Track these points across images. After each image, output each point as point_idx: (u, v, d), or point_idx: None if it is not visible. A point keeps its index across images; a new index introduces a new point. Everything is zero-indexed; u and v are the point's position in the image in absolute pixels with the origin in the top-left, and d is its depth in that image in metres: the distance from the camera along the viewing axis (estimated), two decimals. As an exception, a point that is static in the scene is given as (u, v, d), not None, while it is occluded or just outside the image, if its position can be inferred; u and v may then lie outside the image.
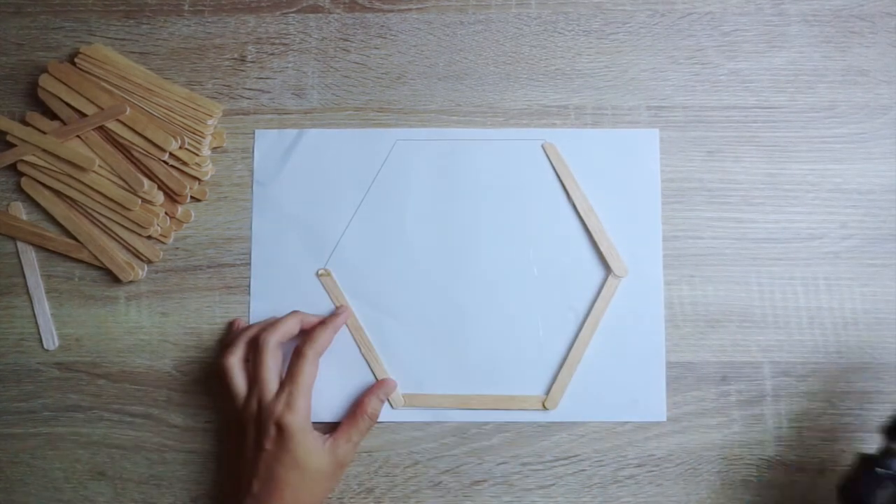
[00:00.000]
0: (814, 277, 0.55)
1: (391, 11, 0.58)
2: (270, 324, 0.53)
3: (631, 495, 0.54)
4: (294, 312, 0.54)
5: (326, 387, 0.54)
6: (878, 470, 0.45)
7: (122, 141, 0.56)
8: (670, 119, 0.57)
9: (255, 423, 0.50)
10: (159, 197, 0.56)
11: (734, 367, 0.55)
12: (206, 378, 0.55)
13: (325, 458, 0.51)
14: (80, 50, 0.57)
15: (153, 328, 0.56)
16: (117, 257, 0.56)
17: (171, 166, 0.56)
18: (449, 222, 0.56)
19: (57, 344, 0.56)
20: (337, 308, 0.55)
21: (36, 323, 0.56)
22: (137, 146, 0.56)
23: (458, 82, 0.57)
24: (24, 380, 0.55)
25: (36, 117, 0.56)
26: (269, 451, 0.49)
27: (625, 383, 0.54)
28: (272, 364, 0.51)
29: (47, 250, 0.56)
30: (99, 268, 0.56)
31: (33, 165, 0.56)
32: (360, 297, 0.56)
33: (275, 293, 0.56)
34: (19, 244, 0.56)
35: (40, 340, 0.56)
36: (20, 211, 0.57)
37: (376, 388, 0.54)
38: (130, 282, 0.56)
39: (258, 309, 0.56)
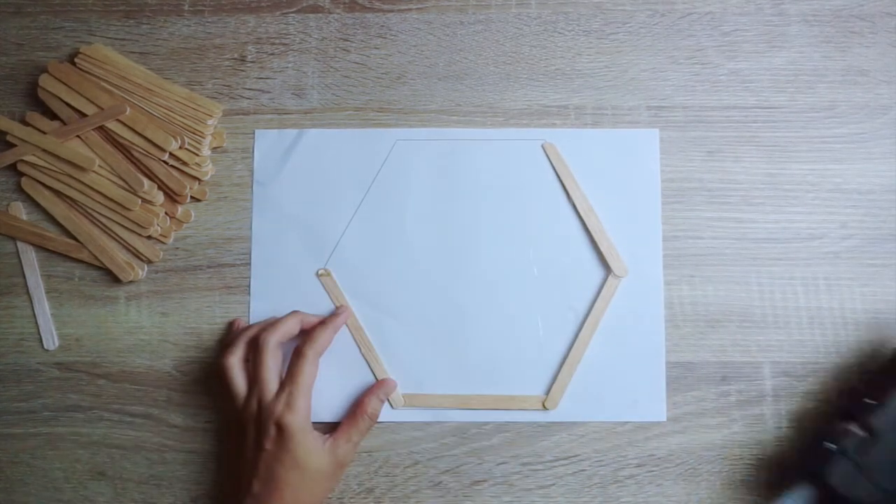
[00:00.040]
0: (814, 277, 0.55)
1: (391, 11, 0.58)
2: (270, 324, 0.53)
3: (631, 495, 0.54)
4: (294, 312, 0.54)
5: (326, 387, 0.54)
6: (828, 444, 0.47)
7: (122, 141, 0.56)
8: (670, 119, 0.57)
9: (255, 423, 0.50)
10: (159, 197, 0.56)
11: (734, 367, 0.55)
12: (206, 378, 0.55)
13: (325, 458, 0.51)
14: (80, 50, 0.57)
15: (153, 328, 0.56)
16: (117, 257, 0.56)
17: (171, 166, 0.56)
18: (449, 222, 0.56)
19: (57, 344, 0.56)
20: (337, 308, 0.55)
21: (36, 323, 0.56)
22: (137, 146, 0.56)
23: (458, 82, 0.57)
24: (24, 380, 0.55)
25: (36, 117, 0.56)
26: (270, 451, 0.49)
27: (625, 383, 0.54)
28: (272, 364, 0.51)
29: (47, 250, 0.56)
30: (99, 268, 0.56)
31: (33, 165, 0.56)
32: (360, 297, 0.56)
33: (275, 293, 0.56)
34: (19, 244, 0.56)
35: (40, 340, 0.56)
36: (20, 211, 0.57)
37: (376, 388, 0.54)
38: (130, 282, 0.56)
39: (258, 309, 0.56)
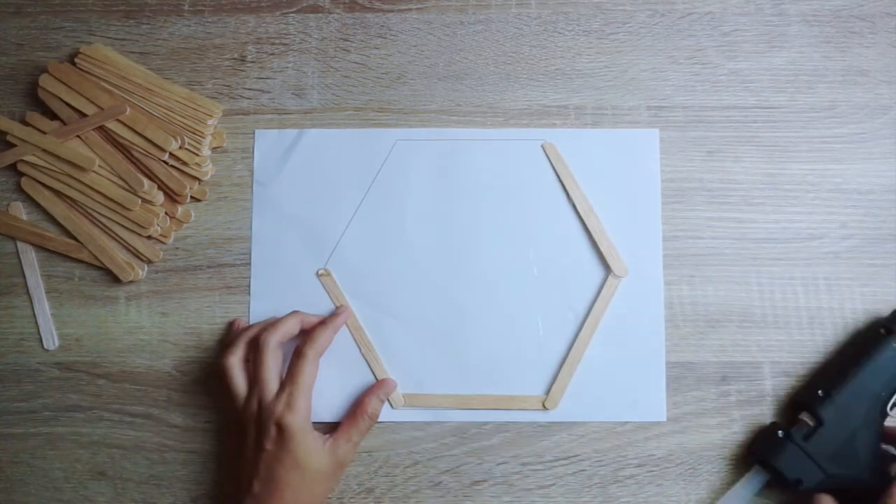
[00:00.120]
0: (814, 277, 0.55)
1: (391, 11, 0.58)
2: (270, 324, 0.53)
3: (631, 495, 0.54)
4: (294, 312, 0.54)
5: (326, 387, 0.54)
6: (779, 432, 0.51)
7: (122, 141, 0.56)
8: (670, 119, 0.57)
9: (255, 423, 0.50)
10: (159, 197, 0.56)
11: (734, 367, 0.55)
12: (206, 378, 0.55)
13: (326, 458, 0.51)
14: (80, 50, 0.57)
15: (153, 328, 0.56)
16: (117, 257, 0.56)
17: (171, 166, 0.56)
18: (449, 222, 0.56)
19: (57, 344, 0.56)
20: (337, 308, 0.55)
21: (36, 323, 0.56)
22: (137, 146, 0.56)
23: (458, 82, 0.57)
24: (24, 380, 0.55)
25: (36, 117, 0.56)
26: (270, 452, 0.49)
27: (625, 383, 0.54)
28: (272, 364, 0.51)
29: (47, 250, 0.56)
30: (99, 268, 0.56)
31: (33, 165, 0.56)
32: (360, 297, 0.56)
33: (275, 293, 0.56)
34: (19, 244, 0.56)
35: (40, 340, 0.56)
36: (20, 211, 0.57)
37: (376, 388, 0.54)
38: (130, 282, 0.56)
39: (258, 309, 0.56)
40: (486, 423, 0.55)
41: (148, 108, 0.56)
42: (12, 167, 0.57)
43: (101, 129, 0.56)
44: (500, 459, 0.54)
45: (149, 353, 0.56)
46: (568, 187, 0.56)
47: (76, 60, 0.57)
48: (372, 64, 0.58)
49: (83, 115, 0.56)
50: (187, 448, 0.55)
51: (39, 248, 0.56)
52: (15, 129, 0.56)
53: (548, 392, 0.55)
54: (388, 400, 0.55)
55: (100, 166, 0.56)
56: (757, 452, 0.52)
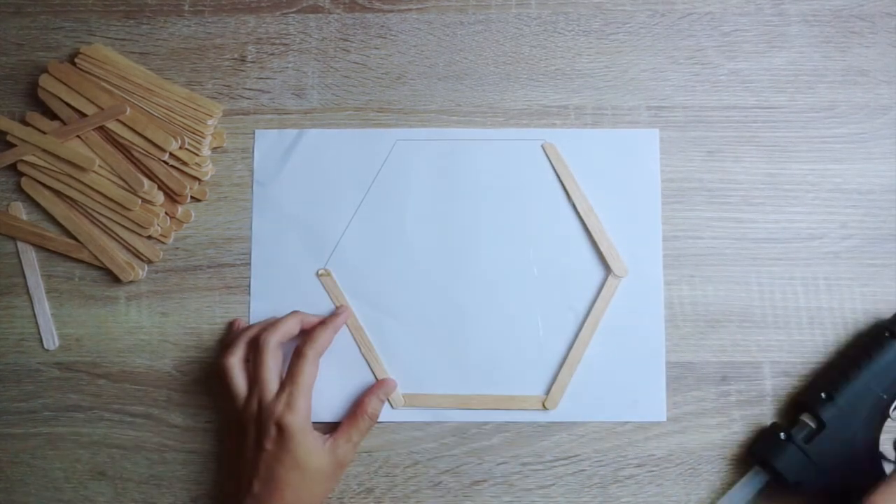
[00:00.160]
0: (814, 277, 0.55)
1: (391, 11, 0.58)
2: (270, 324, 0.53)
3: (631, 495, 0.54)
4: (294, 312, 0.54)
5: (326, 387, 0.54)
6: (780, 434, 0.51)
7: (122, 141, 0.56)
8: (670, 119, 0.57)
9: (255, 423, 0.50)
10: (159, 197, 0.56)
11: (734, 367, 0.55)
12: (206, 378, 0.55)
13: (326, 458, 0.51)
14: (80, 50, 0.57)
15: (153, 328, 0.56)
16: (117, 257, 0.56)
17: (171, 166, 0.56)
18: (449, 222, 0.56)
19: (57, 344, 0.56)
20: (337, 308, 0.55)
21: (36, 323, 0.56)
22: (137, 146, 0.56)
23: (458, 82, 0.57)
24: (25, 380, 0.55)
25: (36, 117, 0.56)
26: (270, 452, 0.49)
27: (625, 383, 0.54)
28: (272, 364, 0.51)
29: (47, 250, 0.56)
30: (99, 268, 0.56)
31: (33, 165, 0.56)
32: (360, 297, 0.56)
33: (275, 293, 0.56)
34: (19, 244, 0.56)
35: (40, 340, 0.56)
36: (20, 211, 0.57)
37: (376, 388, 0.54)
38: (130, 282, 0.56)
39: (258, 309, 0.56)
40: (486, 423, 0.55)
41: (148, 109, 0.56)
42: (12, 167, 0.57)
43: (102, 129, 0.56)
44: (500, 459, 0.54)
45: (149, 353, 0.56)
46: (568, 187, 0.56)
47: (76, 60, 0.57)
48: (372, 64, 0.58)
49: (83, 115, 0.56)
50: (187, 448, 0.55)
51: (39, 248, 0.56)
52: (15, 129, 0.56)
53: (548, 392, 0.55)
54: (388, 400, 0.55)
55: (100, 166, 0.56)
56: (757, 453, 0.52)
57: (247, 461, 0.50)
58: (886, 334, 0.52)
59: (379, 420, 0.54)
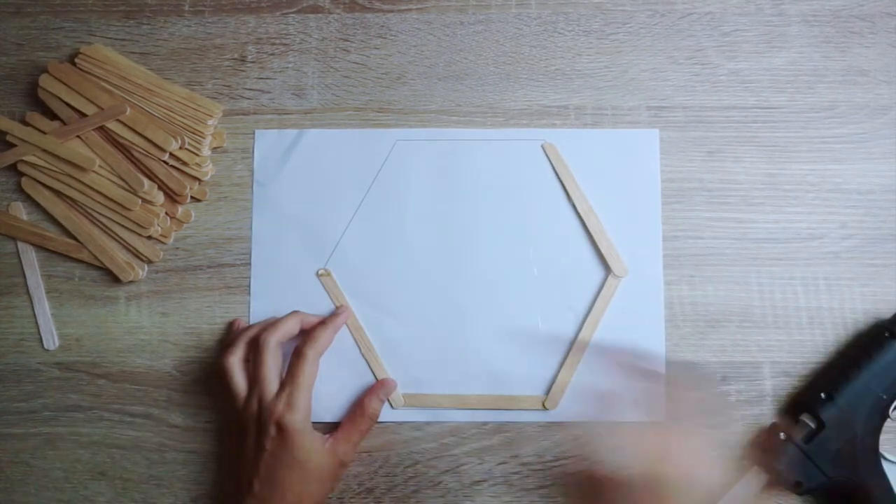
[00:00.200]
0: (814, 277, 0.55)
1: (391, 11, 0.58)
2: (270, 324, 0.53)
3: (631, 495, 0.54)
4: (294, 312, 0.54)
5: (326, 387, 0.54)
6: (780, 434, 0.51)
7: (122, 141, 0.56)
8: (670, 119, 0.57)
9: (255, 423, 0.50)
10: (159, 197, 0.56)
11: (734, 367, 0.55)
12: (206, 378, 0.55)
13: (326, 458, 0.51)
14: (80, 50, 0.57)
15: (153, 328, 0.56)
16: (117, 257, 0.56)
17: (171, 166, 0.56)
18: (449, 222, 0.56)
19: (57, 344, 0.56)
20: (337, 308, 0.55)
21: (36, 323, 0.56)
22: (137, 146, 0.56)
23: (458, 82, 0.57)
24: (25, 380, 0.55)
25: (36, 117, 0.56)
26: (270, 451, 0.49)
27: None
28: (272, 364, 0.51)
29: (47, 250, 0.56)
30: (99, 268, 0.56)
31: (33, 165, 0.56)
32: (360, 297, 0.56)
33: (275, 293, 0.56)
34: (19, 244, 0.56)
35: (40, 340, 0.56)
36: (20, 211, 0.57)
37: (376, 388, 0.54)
38: (130, 282, 0.56)
39: (258, 309, 0.56)
40: (486, 423, 0.55)
41: (148, 109, 0.56)
42: (12, 167, 0.57)
43: (102, 129, 0.56)
44: (500, 459, 0.54)
45: (149, 353, 0.56)
46: (568, 187, 0.56)
47: (76, 60, 0.57)
48: (372, 64, 0.58)
49: (83, 115, 0.56)
50: (187, 448, 0.55)
51: (39, 248, 0.56)
52: (15, 129, 0.56)
53: (548, 392, 0.55)
54: (388, 400, 0.55)
55: (100, 166, 0.56)
56: (757, 453, 0.52)
57: (247, 461, 0.50)
58: (886, 334, 0.52)
59: (379, 420, 0.54)
